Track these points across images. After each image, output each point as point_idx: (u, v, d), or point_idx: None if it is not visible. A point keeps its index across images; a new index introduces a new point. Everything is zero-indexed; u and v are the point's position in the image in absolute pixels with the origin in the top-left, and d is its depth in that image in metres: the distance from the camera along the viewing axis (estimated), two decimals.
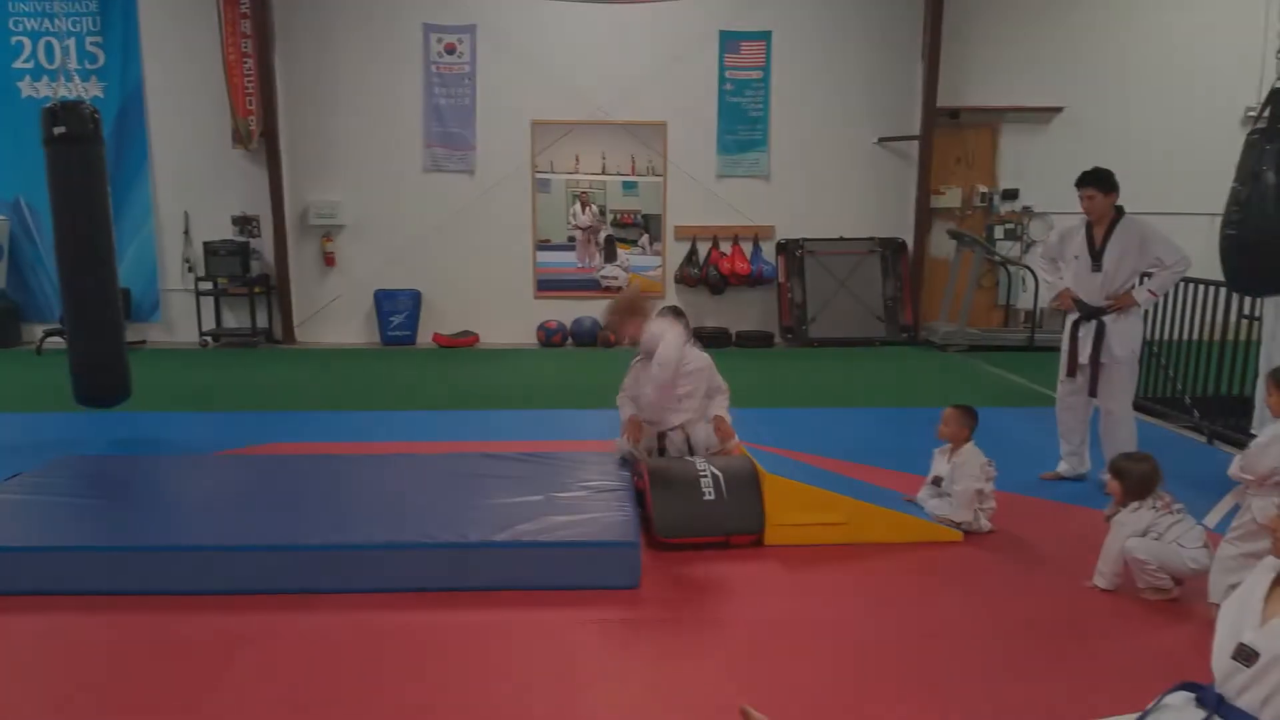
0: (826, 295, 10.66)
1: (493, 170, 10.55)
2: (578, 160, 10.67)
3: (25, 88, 10.20)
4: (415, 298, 10.68)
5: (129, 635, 3.31)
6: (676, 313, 5.02)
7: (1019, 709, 2.82)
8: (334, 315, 10.81)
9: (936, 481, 4.54)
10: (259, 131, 10.17)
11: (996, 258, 10.65)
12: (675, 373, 4.59)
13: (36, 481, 4.43)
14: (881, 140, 10.72)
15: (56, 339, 9.72)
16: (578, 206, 10.75)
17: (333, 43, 10.31)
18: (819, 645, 3.29)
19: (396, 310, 10.65)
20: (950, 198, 10.88)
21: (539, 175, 10.66)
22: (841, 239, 10.75)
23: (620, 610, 3.54)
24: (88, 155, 6.04)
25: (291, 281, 10.62)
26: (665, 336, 4.62)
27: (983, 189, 10.89)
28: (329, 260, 10.71)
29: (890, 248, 10.81)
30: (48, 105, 5.99)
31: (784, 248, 10.76)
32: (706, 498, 4.22)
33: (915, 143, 10.64)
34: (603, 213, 10.75)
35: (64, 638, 3.29)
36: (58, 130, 5.94)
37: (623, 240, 10.84)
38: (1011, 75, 10.63)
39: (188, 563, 3.63)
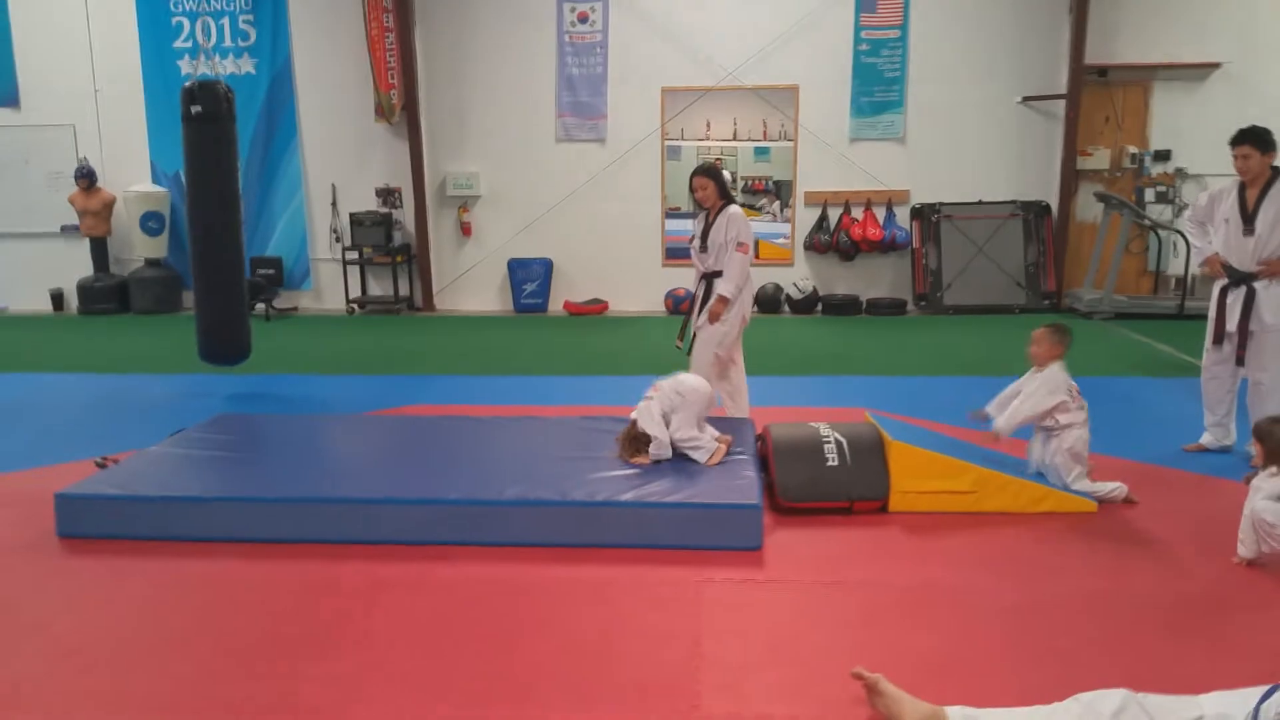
0: (964, 261, 10.35)
1: (623, 138, 10.65)
2: (709, 126, 10.65)
3: (185, 65, 10.84)
4: (547, 266, 10.93)
5: (284, 579, 3.59)
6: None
7: (1145, 679, 2.75)
8: (470, 284, 11.17)
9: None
10: (400, 105, 10.56)
11: (1146, 222, 10.09)
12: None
13: (199, 437, 4.79)
14: (1025, 100, 10.27)
15: None
16: None
17: (470, 17, 10.58)
18: (940, 611, 3.28)
19: (529, 279, 10.93)
20: (1098, 159, 10.36)
21: (669, 142, 10.69)
22: (981, 203, 10.40)
23: (743, 571, 3.61)
24: (220, 133, 6.43)
25: (431, 251, 11.02)
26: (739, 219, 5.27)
27: (1133, 150, 10.32)
28: (465, 230, 11.06)
29: (1033, 211, 10.39)
30: (185, 85, 6.40)
31: (919, 212, 10.49)
32: (830, 463, 4.23)
33: (1061, 102, 10.16)
34: (734, 180, 10.70)
35: (228, 581, 3.59)
36: (194, 109, 6.34)
37: (750, 207, 10.77)
38: (1165, 30, 9.99)
39: (338, 514, 3.88)
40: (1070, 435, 4.26)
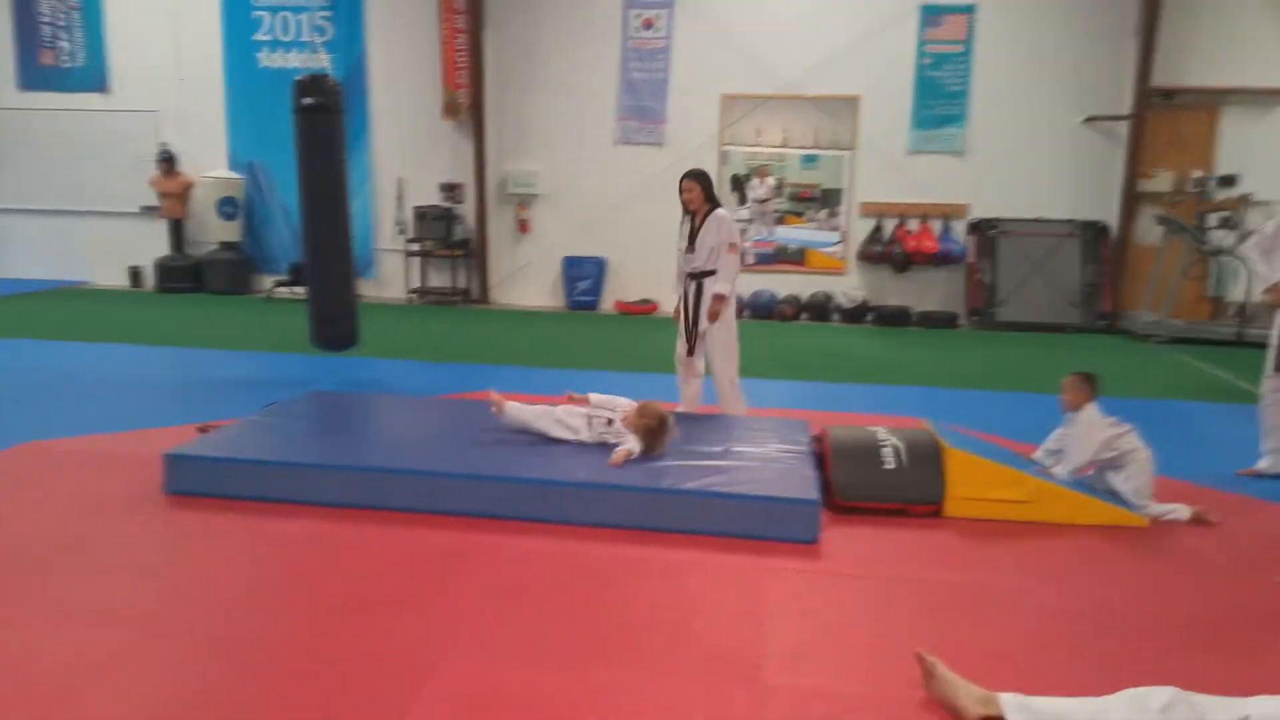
0: (1019, 277, 10.40)
1: (681, 143, 10.84)
2: (758, 133, 10.80)
3: (263, 58, 11.22)
4: (600, 265, 11.16)
5: (371, 542, 3.82)
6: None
7: (1190, 686, 2.86)
8: (525, 279, 11.43)
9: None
10: (468, 104, 10.84)
11: (1206, 247, 10.06)
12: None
13: (292, 409, 5.08)
14: (1089, 119, 10.30)
15: (283, 289, 10.78)
16: (756, 179, 10.90)
17: (538, 21, 10.83)
18: (991, 610, 3.41)
19: (582, 276, 11.16)
20: (1160, 182, 10.35)
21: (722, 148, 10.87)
22: (1039, 220, 10.44)
23: (800, 561, 3.76)
24: (330, 124, 6.70)
25: (489, 245, 11.30)
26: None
27: (1197, 174, 10.30)
28: (523, 227, 11.32)
29: (1091, 231, 10.41)
30: (298, 77, 6.66)
31: (976, 227, 10.56)
32: (887, 466, 4.37)
33: (1125, 123, 10.17)
34: (779, 187, 10.84)
35: (318, 540, 3.83)
36: (306, 101, 6.60)
37: (794, 214, 10.90)
38: (1235, 53, 9.98)
39: (421, 486, 4.10)
40: (1134, 462, 4.37)
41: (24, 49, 11.56)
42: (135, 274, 11.67)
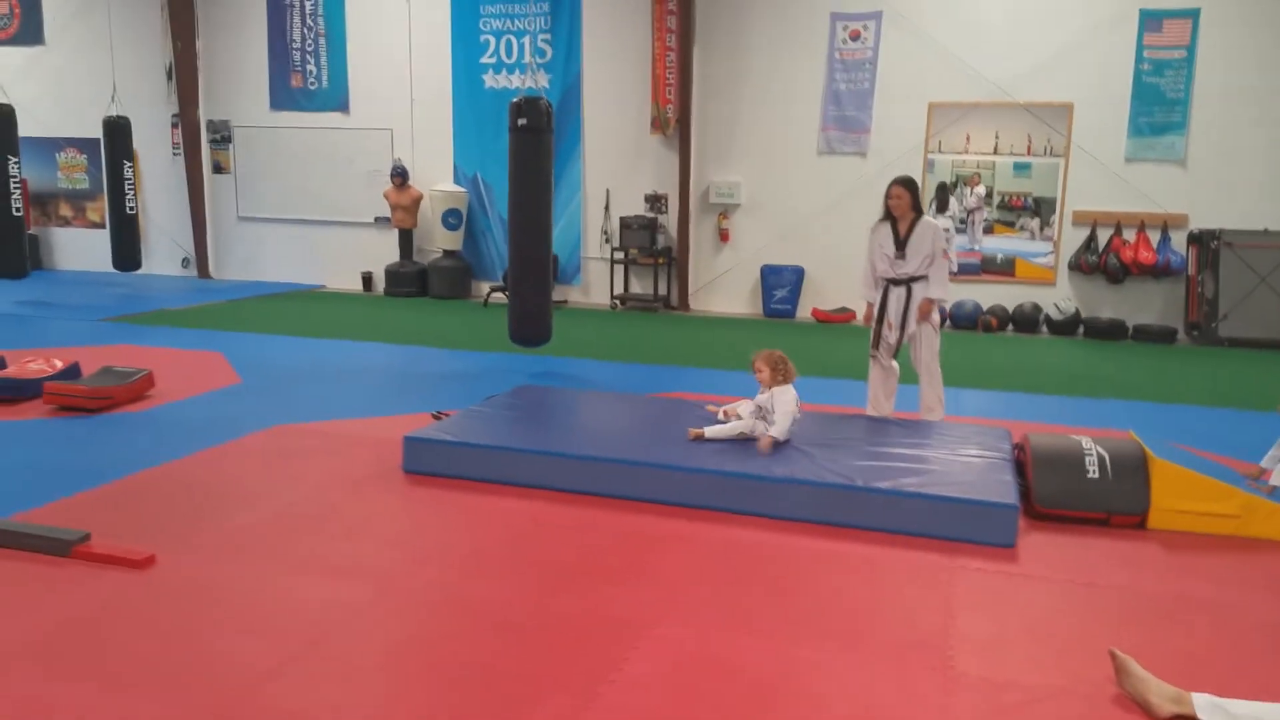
0: (1244, 291, 9.72)
1: (885, 152, 10.82)
2: (968, 140, 10.63)
3: (488, 80, 12.08)
4: (799, 274, 11.30)
5: (585, 522, 4.21)
6: None
7: None
8: (723, 287, 11.73)
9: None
10: (675, 119, 11.27)
11: None
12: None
13: (507, 401, 5.59)
14: None
15: (498, 294, 11.55)
16: (966, 188, 10.72)
17: (744, 36, 11.13)
18: (1193, 619, 3.38)
19: (780, 284, 11.34)
20: None
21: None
22: (1266, 231, 9.74)
23: (996, 563, 3.84)
24: (540, 143, 7.25)
25: (690, 254, 11.67)
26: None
27: None
28: (723, 236, 11.62)
29: None
30: (514, 100, 7.24)
31: (1197, 238, 9.97)
32: (1090, 475, 4.34)
33: None
34: (990, 195, 10.61)
35: (535, 518, 4.26)
36: (520, 121, 7.17)
37: (1004, 223, 10.64)
38: None
39: (630, 474, 4.47)
40: None
41: (276, 73, 12.96)
42: (367, 279, 12.82)
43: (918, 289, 5.68)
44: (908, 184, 5.69)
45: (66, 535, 3.70)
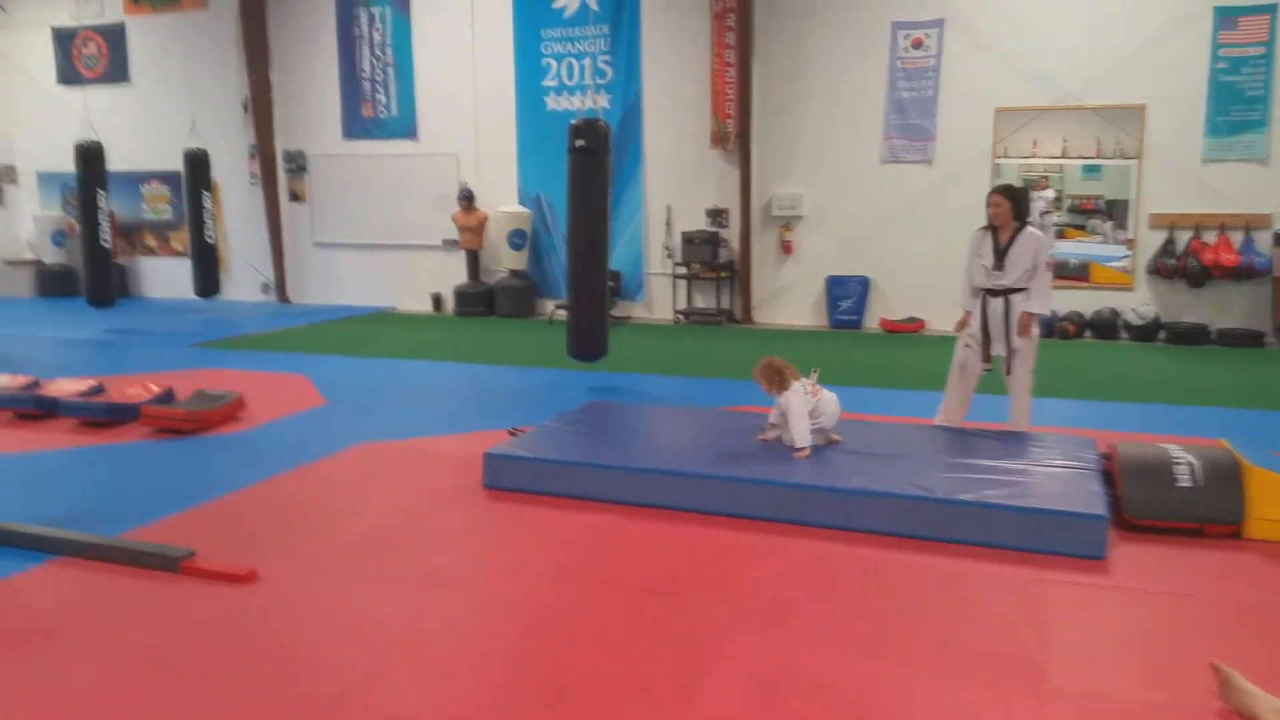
0: None
1: (951, 159, 10.71)
2: (1035, 144, 10.46)
3: (550, 101, 12.25)
4: (864, 284, 11.21)
5: (659, 535, 4.23)
6: None
7: None
8: (787, 299, 11.69)
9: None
10: (735, 133, 11.30)
11: None
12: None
13: (577, 417, 5.66)
14: None
15: (562, 312, 11.66)
16: (1034, 191, 10.53)
17: (804, 48, 11.12)
18: None
19: (845, 295, 11.26)
20: None
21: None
22: None
23: (1086, 576, 3.76)
24: (597, 164, 7.35)
25: (752, 267, 11.67)
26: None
27: None
28: (786, 248, 11.59)
29: None
30: (572, 121, 7.35)
31: None
32: (1181, 484, 4.24)
33: None
34: (1059, 198, 10.42)
35: (613, 532, 4.30)
36: (578, 142, 7.29)
37: (1075, 227, 10.43)
38: None
39: (702, 488, 4.48)
40: None
41: (348, 103, 13.32)
42: (437, 300, 13.06)
43: (1016, 300, 5.47)
44: (1008, 192, 5.50)
45: (174, 552, 3.87)
